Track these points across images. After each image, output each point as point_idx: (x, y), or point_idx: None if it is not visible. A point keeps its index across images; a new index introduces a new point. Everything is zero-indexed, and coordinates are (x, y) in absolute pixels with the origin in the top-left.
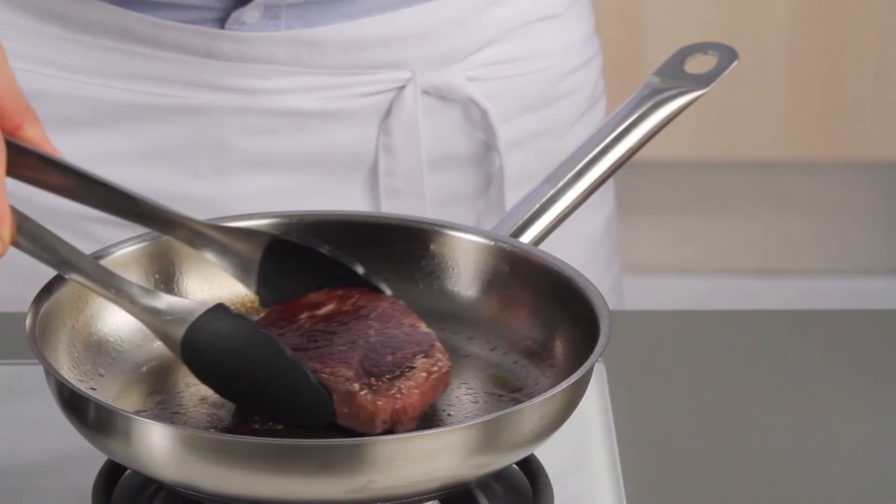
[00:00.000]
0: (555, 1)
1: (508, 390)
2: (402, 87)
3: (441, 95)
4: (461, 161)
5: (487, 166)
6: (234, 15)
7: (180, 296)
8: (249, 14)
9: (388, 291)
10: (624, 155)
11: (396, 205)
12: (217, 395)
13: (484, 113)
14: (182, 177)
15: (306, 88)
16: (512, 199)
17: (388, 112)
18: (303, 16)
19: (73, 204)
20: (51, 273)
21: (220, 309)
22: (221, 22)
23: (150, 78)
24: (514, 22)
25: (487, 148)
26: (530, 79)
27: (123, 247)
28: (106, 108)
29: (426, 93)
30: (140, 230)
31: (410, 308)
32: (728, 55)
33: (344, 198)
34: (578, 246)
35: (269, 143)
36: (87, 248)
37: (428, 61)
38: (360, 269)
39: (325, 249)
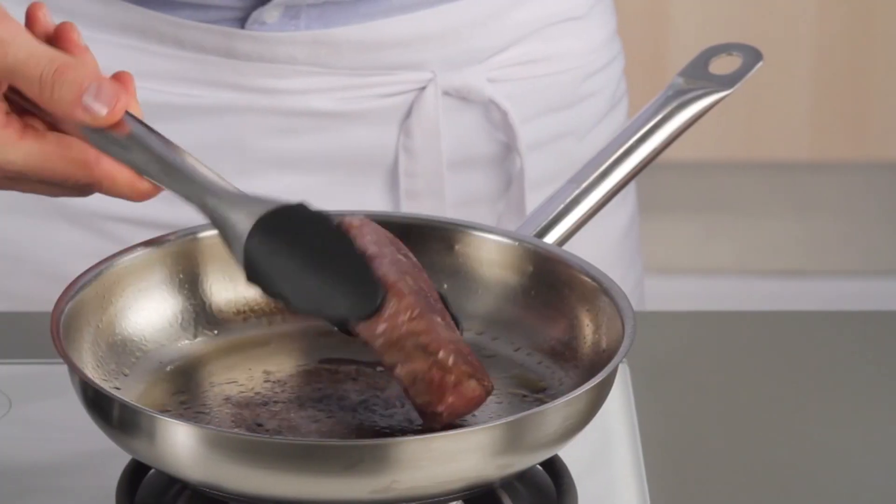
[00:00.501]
0: (577, 2)
1: (532, 391)
2: (423, 88)
3: (462, 96)
4: (481, 162)
5: (508, 167)
6: (255, 15)
7: (205, 297)
8: (269, 14)
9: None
10: (648, 156)
11: (416, 206)
12: (241, 395)
13: (504, 114)
14: None
15: (326, 89)
16: (532, 200)
17: (408, 113)
18: (323, 16)
19: (95, 204)
20: (75, 272)
21: (299, 205)
22: (241, 22)
23: (170, 78)
24: (535, 23)
25: (508, 149)
26: (551, 80)
27: (149, 246)
28: None
29: (447, 94)
30: (165, 228)
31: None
32: (753, 56)
33: (364, 198)
34: (601, 246)
35: (289, 143)
36: (108, 247)
37: (448, 62)
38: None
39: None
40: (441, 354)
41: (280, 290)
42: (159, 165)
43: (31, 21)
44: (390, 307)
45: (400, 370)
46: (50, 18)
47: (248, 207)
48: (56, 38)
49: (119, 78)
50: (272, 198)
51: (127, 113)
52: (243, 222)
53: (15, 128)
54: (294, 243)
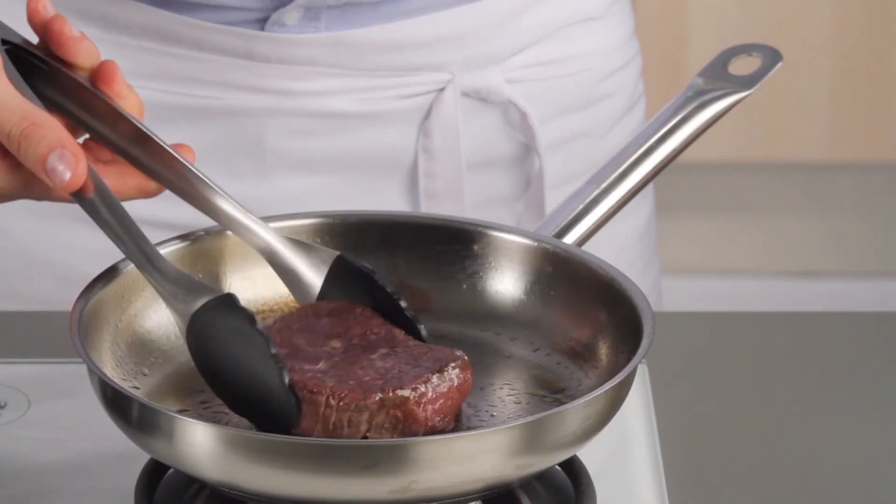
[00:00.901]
0: (594, 3)
1: (551, 391)
2: (442, 90)
3: (480, 97)
4: (500, 163)
5: (527, 168)
6: (274, 16)
7: None
8: (289, 16)
9: (424, 332)
10: (668, 156)
11: (436, 206)
12: None
13: (523, 115)
14: (222, 178)
15: (346, 90)
16: (550, 200)
17: (427, 114)
18: (343, 18)
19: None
20: (90, 273)
21: (227, 298)
22: (261, 23)
23: (189, 79)
24: (553, 24)
25: (527, 149)
26: (569, 81)
27: (168, 245)
28: (146, 110)
29: (466, 95)
30: (184, 230)
31: (455, 309)
32: (772, 56)
33: (383, 199)
34: (618, 246)
35: (309, 144)
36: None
37: (467, 63)
38: (403, 303)
39: (378, 277)
40: (383, 396)
41: (221, 397)
42: (116, 232)
43: (30, 12)
44: (315, 408)
45: (370, 435)
46: (50, 8)
47: (183, 300)
48: (48, 32)
49: (105, 67)
50: (204, 285)
51: (92, 173)
52: (183, 313)
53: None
54: (219, 351)
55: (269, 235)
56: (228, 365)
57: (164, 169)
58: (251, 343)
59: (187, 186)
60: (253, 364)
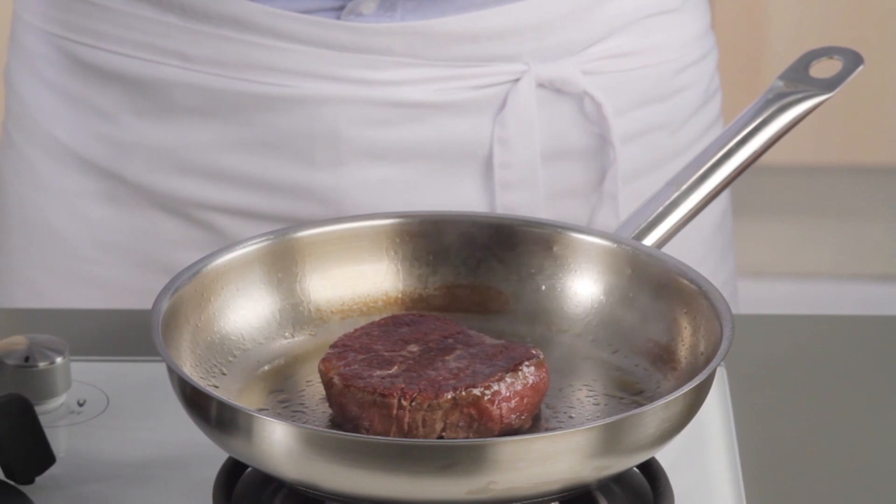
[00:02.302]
0: None
1: (630, 393)
2: (517, 80)
3: (556, 88)
4: (575, 154)
5: (602, 160)
6: (350, 6)
7: (303, 296)
8: (366, 5)
9: None
10: (748, 159)
11: (511, 197)
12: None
13: (598, 106)
14: (298, 166)
15: (422, 80)
16: (624, 193)
17: (503, 104)
18: (419, 8)
19: (188, 191)
20: (166, 260)
21: None
22: (337, 12)
23: (265, 68)
24: (629, 16)
25: (602, 141)
26: (645, 73)
27: (248, 244)
28: (222, 98)
29: (541, 85)
30: (265, 226)
31: (534, 310)
32: (853, 60)
33: (458, 189)
34: (692, 240)
35: (385, 133)
36: (201, 236)
37: (543, 54)
38: None
39: None
40: (456, 395)
41: None
42: None
43: None
44: (388, 411)
45: (445, 434)
46: None
47: None
48: None
49: None
50: None
51: None
52: None
53: None
54: None
55: None
56: None
57: None
58: None
59: None
60: None
